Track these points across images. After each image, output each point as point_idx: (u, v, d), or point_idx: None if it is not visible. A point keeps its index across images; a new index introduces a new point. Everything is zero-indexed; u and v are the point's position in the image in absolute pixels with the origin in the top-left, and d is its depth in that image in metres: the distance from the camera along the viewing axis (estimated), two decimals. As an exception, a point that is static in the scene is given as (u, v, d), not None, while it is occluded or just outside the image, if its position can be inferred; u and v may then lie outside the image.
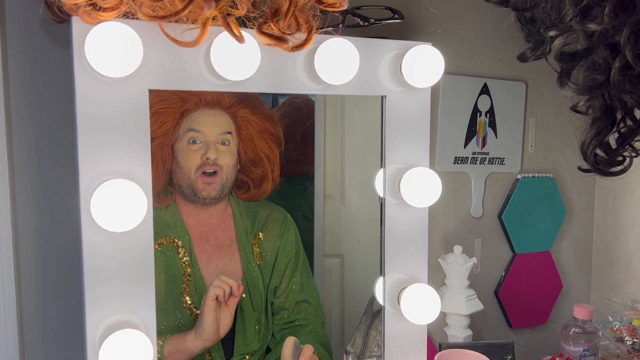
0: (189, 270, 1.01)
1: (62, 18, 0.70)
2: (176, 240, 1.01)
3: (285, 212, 1.12)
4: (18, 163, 0.91)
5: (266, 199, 1.10)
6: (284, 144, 1.09)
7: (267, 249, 1.08)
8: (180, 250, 1.01)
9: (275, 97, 1.13)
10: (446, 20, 1.22)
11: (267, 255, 1.08)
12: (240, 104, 1.03)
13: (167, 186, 1.01)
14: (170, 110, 0.96)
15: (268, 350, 1.08)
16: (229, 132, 1.02)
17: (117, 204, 0.69)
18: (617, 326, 1.24)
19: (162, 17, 0.64)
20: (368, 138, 1.13)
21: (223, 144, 1.01)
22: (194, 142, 0.99)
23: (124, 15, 0.67)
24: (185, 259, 1.01)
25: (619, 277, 1.47)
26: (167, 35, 0.70)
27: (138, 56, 0.69)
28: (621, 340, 1.22)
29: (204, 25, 0.69)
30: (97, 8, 0.63)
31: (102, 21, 0.66)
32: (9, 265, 0.89)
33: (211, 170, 1.00)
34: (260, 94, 1.07)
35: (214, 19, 0.69)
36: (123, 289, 0.75)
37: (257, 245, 1.08)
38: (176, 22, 0.68)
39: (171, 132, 0.98)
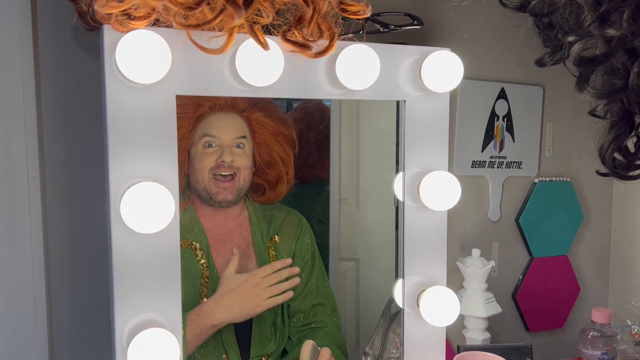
0: (207, 272, 1.02)
1: (94, 26, 0.73)
2: (194, 243, 1.02)
3: (301, 216, 1.13)
4: (49, 167, 0.93)
5: (282, 202, 1.11)
6: (298, 146, 1.10)
7: (283, 252, 1.09)
8: (198, 252, 1.02)
9: (289, 102, 1.14)
10: (464, 26, 1.23)
11: (283, 258, 1.09)
12: (253, 107, 1.04)
13: (185, 190, 1.03)
14: (186, 115, 0.98)
15: (284, 352, 1.09)
16: (244, 137, 1.03)
17: (146, 206, 0.71)
18: (635, 330, 1.24)
19: (195, 26, 0.66)
20: (383, 142, 1.14)
21: (238, 147, 1.02)
22: (210, 145, 1.00)
23: (153, 23, 0.69)
24: (203, 261, 1.02)
25: (637, 281, 1.46)
26: (195, 43, 0.72)
27: (167, 63, 0.71)
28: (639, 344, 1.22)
29: (231, 33, 0.71)
30: (131, 17, 0.65)
31: (133, 29, 0.68)
32: (39, 266, 0.91)
33: (227, 173, 1.01)
34: (274, 98, 1.09)
35: (240, 26, 0.70)
36: (150, 289, 0.77)
37: (273, 248, 1.09)
38: (204, 30, 0.70)
39: (187, 137, 0.99)
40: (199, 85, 0.77)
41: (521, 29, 1.01)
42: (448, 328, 0.98)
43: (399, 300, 0.98)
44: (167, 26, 0.70)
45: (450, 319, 0.93)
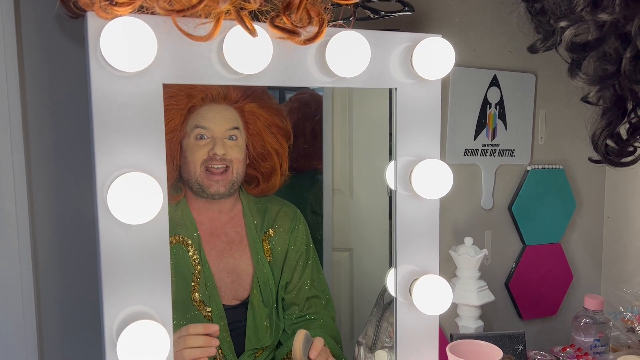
0: (198, 268, 1.01)
1: (77, 14, 0.71)
2: (186, 238, 1.01)
3: (295, 208, 1.12)
4: (34, 158, 0.92)
5: (275, 193, 1.10)
6: (292, 138, 1.09)
7: (278, 245, 1.08)
8: (189, 248, 1.01)
9: (282, 92, 1.13)
10: (456, 12, 1.22)
11: (277, 251, 1.08)
12: (247, 98, 1.03)
13: (177, 183, 1.02)
14: (177, 107, 0.97)
15: (279, 344, 1.09)
16: (236, 128, 1.02)
17: (133, 197, 0.70)
18: (628, 316, 1.24)
19: (178, 12, 0.64)
20: (376, 132, 1.13)
21: (230, 139, 1.01)
22: (202, 137, 0.99)
23: (138, 10, 0.68)
24: (195, 256, 1.01)
25: (629, 268, 1.47)
26: (181, 30, 0.71)
27: (152, 51, 0.69)
28: (632, 330, 1.23)
29: (218, 19, 0.70)
30: (113, 3, 0.64)
31: (117, 16, 0.67)
32: (27, 259, 0.90)
33: (220, 165, 1.00)
34: (267, 88, 1.07)
35: (227, 13, 0.69)
36: (139, 281, 0.76)
37: (267, 241, 1.08)
38: (190, 16, 0.69)
39: (179, 128, 0.98)
40: (186, 74, 0.76)
41: (513, 15, 1.01)
42: (441, 316, 0.98)
43: (391, 289, 0.98)
44: (152, 13, 0.68)
45: (443, 307, 0.93)
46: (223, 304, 1.03)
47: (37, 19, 0.89)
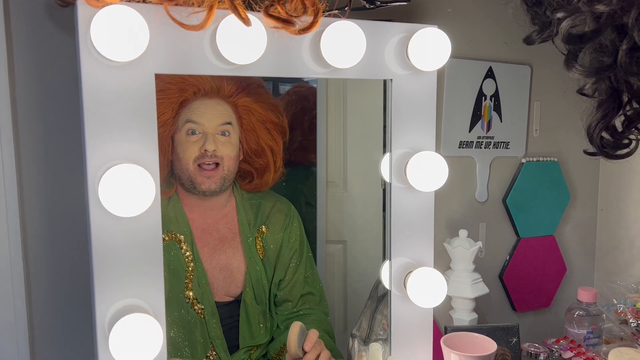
0: (192, 265, 1.00)
1: (67, 2, 0.70)
2: (178, 234, 1.00)
3: (289, 204, 1.11)
4: (24, 150, 0.90)
5: (270, 187, 1.09)
6: (288, 133, 1.07)
7: (271, 242, 1.07)
8: (182, 244, 1.00)
9: (275, 85, 1.12)
10: (452, 3, 1.21)
11: (270, 248, 1.07)
12: (241, 93, 1.01)
13: (169, 178, 1.00)
14: (168, 101, 0.95)
15: (271, 339, 1.08)
16: (229, 123, 1.00)
17: (125, 189, 0.69)
18: (621, 309, 1.25)
19: (171, 0, 0.63)
20: (370, 124, 1.12)
21: (223, 134, 0.99)
22: (193, 133, 0.97)
23: (129, -2, 0.67)
24: (187, 253, 1.00)
25: (622, 260, 1.47)
26: (173, 19, 0.70)
27: (144, 40, 0.69)
28: (625, 322, 1.23)
29: (211, 8, 0.69)
30: (104, -9, 0.63)
31: (108, 4, 0.66)
32: (17, 252, 0.89)
33: (210, 162, 0.98)
34: (263, 82, 1.06)
35: (220, 1, 0.68)
36: (132, 274, 0.75)
37: (260, 238, 1.07)
38: (182, 4, 0.68)
39: (170, 123, 0.96)
40: (178, 64, 0.75)
41: (509, 6, 1.00)
42: (435, 309, 0.98)
43: (386, 282, 0.97)
44: (144, 1, 0.67)
45: (438, 300, 0.93)
46: (215, 301, 1.02)
47: (26, 7, 0.88)
